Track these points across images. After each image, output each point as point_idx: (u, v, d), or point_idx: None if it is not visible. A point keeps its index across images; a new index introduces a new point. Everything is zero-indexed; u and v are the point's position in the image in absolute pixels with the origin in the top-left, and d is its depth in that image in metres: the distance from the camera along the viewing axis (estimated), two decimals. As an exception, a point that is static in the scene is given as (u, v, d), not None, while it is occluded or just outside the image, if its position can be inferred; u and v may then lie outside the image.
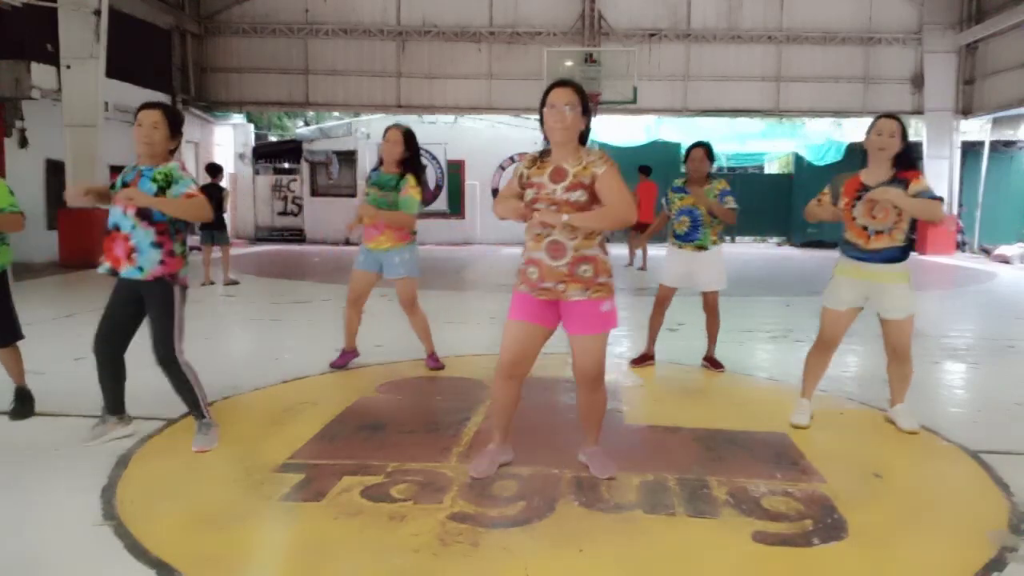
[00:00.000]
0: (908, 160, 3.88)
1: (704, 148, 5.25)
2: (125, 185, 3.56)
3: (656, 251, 12.06)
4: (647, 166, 13.40)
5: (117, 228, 3.53)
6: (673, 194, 5.33)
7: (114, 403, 3.77)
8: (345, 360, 5.24)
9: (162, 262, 3.55)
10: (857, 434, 4.05)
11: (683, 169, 5.38)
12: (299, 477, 3.26)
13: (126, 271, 3.54)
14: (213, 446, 3.63)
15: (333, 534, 2.76)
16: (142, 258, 3.52)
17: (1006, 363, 6.00)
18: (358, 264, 5.05)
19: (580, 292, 3.10)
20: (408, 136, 4.92)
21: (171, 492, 3.13)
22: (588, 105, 3.17)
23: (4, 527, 2.81)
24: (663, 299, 5.44)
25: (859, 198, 3.86)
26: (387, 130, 4.95)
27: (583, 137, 3.19)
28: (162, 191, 3.50)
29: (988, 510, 3.06)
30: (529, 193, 3.15)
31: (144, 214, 3.50)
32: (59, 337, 6.33)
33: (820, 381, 4.26)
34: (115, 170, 13.06)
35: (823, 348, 4.14)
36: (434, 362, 5.23)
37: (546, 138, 3.19)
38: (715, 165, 5.40)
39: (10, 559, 2.58)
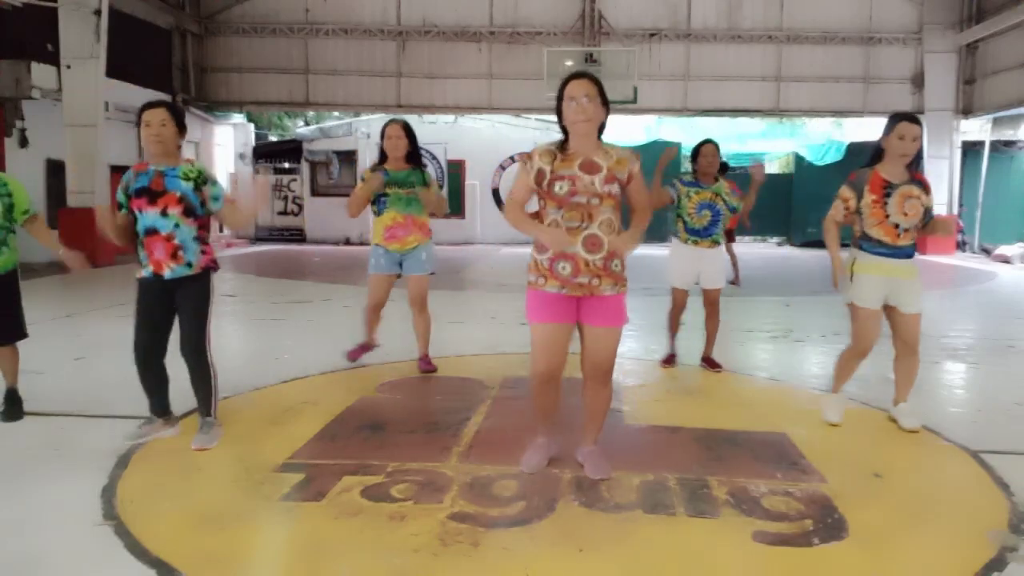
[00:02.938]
0: (919, 159, 3.92)
1: (715, 145, 5.30)
2: (144, 189, 3.53)
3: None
4: (724, 163, 12.30)
5: (154, 231, 3.54)
6: (686, 188, 5.24)
7: (161, 406, 3.77)
8: (361, 352, 5.22)
9: (203, 252, 3.65)
10: (857, 434, 4.05)
11: (690, 167, 5.37)
12: (299, 477, 3.26)
13: (173, 271, 3.57)
14: (212, 445, 3.63)
15: (333, 534, 2.76)
16: (188, 254, 3.59)
17: (1006, 363, 6.00)
18: (378, 268, 4.99)
19: (611, 287, 3.12)
20: (408, 129, 4.93)
21: (171, 492, 3.13)
22: (606, 95, 3.14)
23: (4, 527, 2.81)
24: (682, 303, 5.36)
25: (888, 195, 3.86)
26: (387, 126, 4.91)
27: (601, 129, 3.17)
28: (198, 188, 3.60)
29: (988, 510, 3.06)
30: (563, 186, 3.05)
31: (189, 210, 3.56)
32: (59, 337, 6.33)
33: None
34: (115, 170, 13.04)
35: (863, 352, 4.06)
36: (426, 364, 5.21)
37: (565, 133, 3.15)
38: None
39: (10, 559, 2.58)
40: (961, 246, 18.21)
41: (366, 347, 5.27)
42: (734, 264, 11.06)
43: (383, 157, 4.94)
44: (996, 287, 11.66)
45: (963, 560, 2.64)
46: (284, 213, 20.32)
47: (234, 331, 7.52)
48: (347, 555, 2.62)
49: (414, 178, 4.91)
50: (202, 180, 3.62)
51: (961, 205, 18.14)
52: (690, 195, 5.21)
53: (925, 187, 3.92)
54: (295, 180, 20.14)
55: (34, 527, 2.82)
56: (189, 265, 3.60)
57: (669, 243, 5.49)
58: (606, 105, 3.13)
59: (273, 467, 3.38)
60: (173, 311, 3.68)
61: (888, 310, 4.02)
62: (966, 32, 16.77)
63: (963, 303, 9.98)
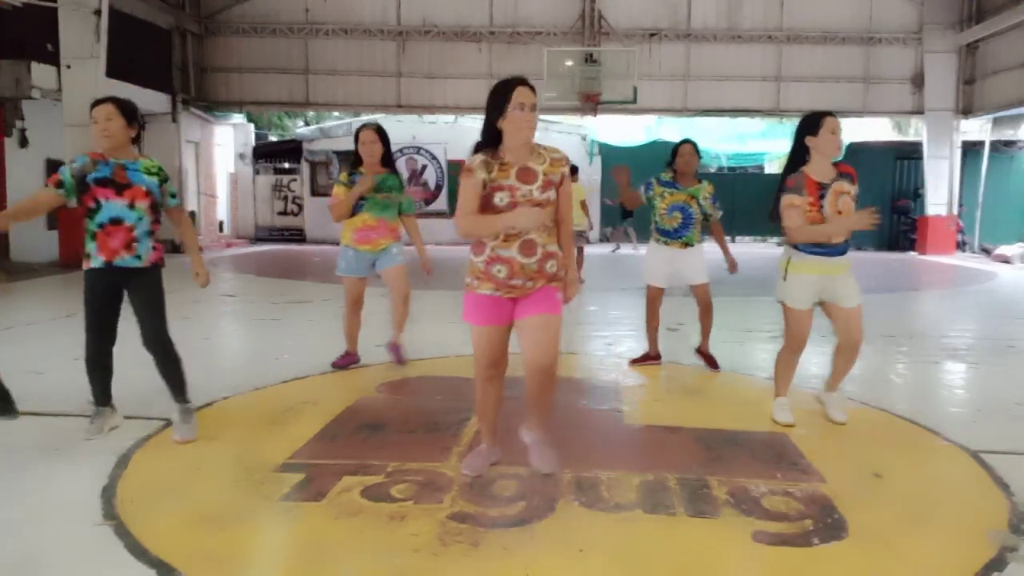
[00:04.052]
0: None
1: (692, 144, 5.28)
2: (108, 180, 3.55)
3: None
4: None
5: (119, 221, 3.58)
6: (662, 187, 5.23)
7: (106, 395, 3.83)
8: (346, 362, 5.25)
9: (154, 248, 3.70)
10: (857, 434, 4.05)
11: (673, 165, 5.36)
12: (299, 477, 3.26)
13: (122, 260, 3.60)
14: (194, 436, 3.68)
15: (333, 534, 2.76)
16: (141, 246, 3.64)
17: (1006, 363, 5.99)
18: (350, 271, 5.04)
19: (545, 284, 3.13)
20: (381, 132, 4.94)
21: (171, 492, 3.13)
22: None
23: (4, 527, 2.81)
24: (654, 299, 5.42)
25: (822, 196, 3.89)
26: (360, 131, 4.92)
27: None
28: (163, 182, 3.70)
29: (988, 510, 3.06)
30: (502, 197, 3.01)
31: (154, 205, 3.66)
32: (59, 337, 6.31)
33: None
34: (115, 170, 13.06)
35: (796, 349, 4.15)
36: (396, 353, 5.23)
37: (493, 136, 3.05)
38: (717, 165, 5.39)
39: (10, 559, 2.58)
40: (961, 246, 18.22)
41: (350, 357, 5.28)
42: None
43: (357, 161, 4.96)
44: (996, 287, 11.66)
45: (963, 560, 2.64)
46: (284, 213, 20.34)
47: (234, 331, 7.52)
48: (347, 555, 2.62)
49: (391, 182, 4.95)
50: (163, 177, 3.72)
51: (961, 205, 18.14)
52: (664, 196, 5.22)
53: (852, 177, 3.95)
54: (295, 180, 20.15)
55: (34, 527, 2.82)
56: (139, 257, 3.64)
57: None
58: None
59: (273, 467, 3.38)
60: (120, 304, 3.71)
61: (827, 306, 4.06)
62: (966, 32, 16.77)
63: (963, 303, 9.99)
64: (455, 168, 19.30)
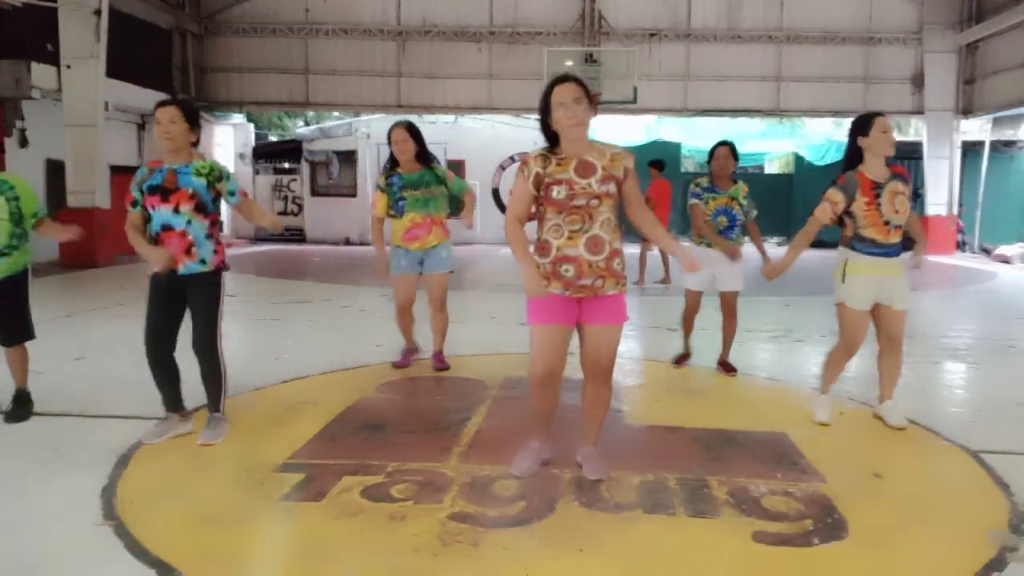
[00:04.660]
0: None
1: (729, 146, 5.20)
2: (158, 187, 3.55)
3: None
4: (660, 160, 11.41)
5: (169, 227, 3.56)
6: (706, 194, 5.19)
7: (174, 401, 3.80)
8: (409, 357, 5.25)
9: (215, 251, 3.70)
10: (857, 434, 4.05)
11: (707, 168, 5.32)
12: (299, 477, 3.26)
13: (187, 267, 3.60)
14: (219, 440, 3.67)
15: (333, 534, 2.76)
16: (202, 250, 3.63)
17: (1006, 363, 5.99)
18: (400, 269, 5.00)
19: (614, 286, 3.12)
20: (412, 130, 4.92)
21: (171, 492, 3.13)
22: (591, 95, 3.15)
23: (4, 527, 2.81)
24: (694, 305, 5.33)
25: (878, 196, 3.87)
26: (392, 131, 4.90)
27: None
28: (212, 185, 3.63)
29: (988, 510, 3.06)
30: (560, 190, 3.03)
31: (200, 207, 3.59)
32: (59, 337, 6.32)
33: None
34: (115, 170, 13.03)
35: (851, 351, 4.11)
36: (440, 362, 5.23)
37: (551, 137, 3.15)
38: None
39: (10, 559, 2.58)
40: (961, 246, 18.21)
41: (411, 352, 5.28)
42: (665, 264, 10.70)
43: (395, 162, 4.95)
44: (996, 287, 11.66)
45: (963, 560, 2.64)
46: (284, 213, 20.30)
47: (234, 331, 7.51)
48: (347, 555, 2.63)
49: (428, 178, 4.93)
50: (215, 176, 3.65)
51: (961, 205, 18.13)
52: (707, 201, 5.16)
53: (905, 178, 3.96)
54: (295, 180, 20.14)
55: (34, 527, 2.82)
56: (203, 262, 3.65)
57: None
58: (592, 105, 3.15)
59: (273, 467, 3.38)
60: (183, 308, 3.71)
61: (877, 308, 4.04)
62: (966, 32, 16.76)
63: (963, 303, 9.98)
64: (455, 168, 19.30)
